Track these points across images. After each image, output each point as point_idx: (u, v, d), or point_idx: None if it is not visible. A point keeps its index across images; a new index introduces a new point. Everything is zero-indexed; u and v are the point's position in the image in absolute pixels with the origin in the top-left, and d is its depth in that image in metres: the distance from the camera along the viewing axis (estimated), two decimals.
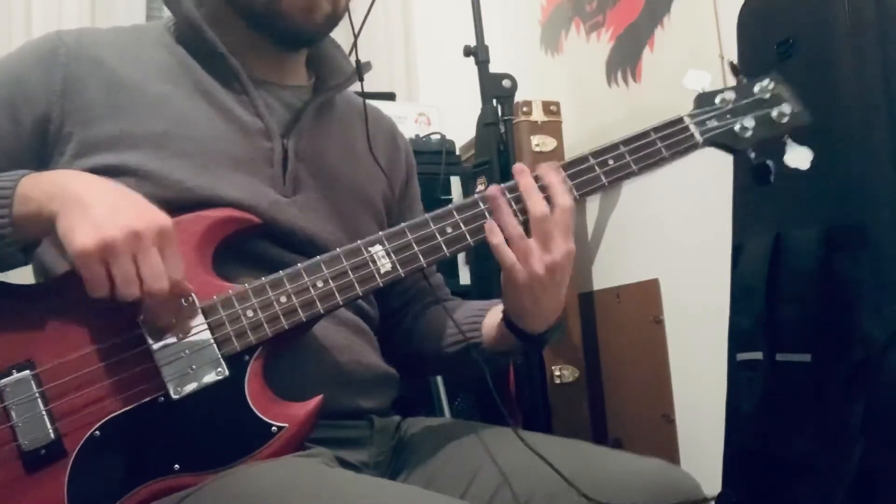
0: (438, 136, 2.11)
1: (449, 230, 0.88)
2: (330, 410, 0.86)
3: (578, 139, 2.13)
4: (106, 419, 0.78)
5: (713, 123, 0.95)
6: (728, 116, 0.96)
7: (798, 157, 0.95)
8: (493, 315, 1.00)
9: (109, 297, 0.75)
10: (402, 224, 0.88)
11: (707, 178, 1.60)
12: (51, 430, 0.76)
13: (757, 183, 0.95)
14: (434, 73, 2.60)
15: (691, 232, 1.77)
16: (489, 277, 1.82)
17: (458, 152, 2.14)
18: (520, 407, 1.83)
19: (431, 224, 0.88)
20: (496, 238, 0.88)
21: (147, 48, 0.96)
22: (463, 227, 0.88)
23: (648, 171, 0.93)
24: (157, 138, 0.89)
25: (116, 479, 0.77)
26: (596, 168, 0.92)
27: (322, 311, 0.84)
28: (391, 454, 0.98)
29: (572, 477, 0.80)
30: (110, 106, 0.90)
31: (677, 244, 1.82)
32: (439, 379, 1.87)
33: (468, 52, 1.91)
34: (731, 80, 1.00)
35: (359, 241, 0.87)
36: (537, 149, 2.04)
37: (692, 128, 0.95)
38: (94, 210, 0.75)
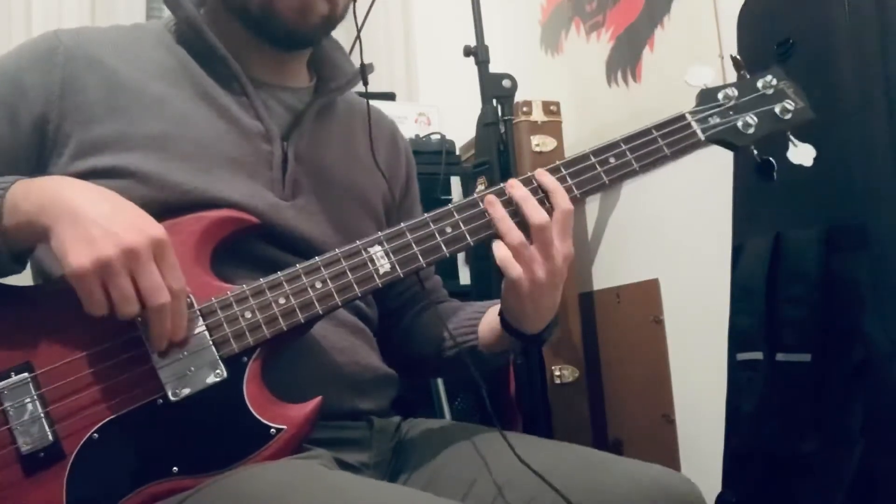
0: (438, 136, 2.11)
1: (448, 230, 0.88)
2: (329, 411, 0.86)
3: (578, 139, 2.13)
4: (104, 421, 0.77)
5: (715, 120, 0.94)
6: (731, 113, 0.95)
7: (801, 153, 0.94)
8: (489, 317, 0.99)
9: (108, 313, 0.75)
10: (402, 224, 0.88)
11: (707, 178, 1.60)
12: (49, 433, 0.76)
13: (761, 180, 0.95)
14: (434, 73, 2.60)
15: (691, 232, 1.77)
16: (489, 277, 1.82)
17: (458, 152, 2.14)
18: (520, 407, 1.83)
19: (431, 224, 0.88)
20: (502, 251, 0.87)
21: (147, 48, 0.96)
22: (462, 227, 0.88)
23: (650, 169, 0.92)
24: (156, 140, 0.89)
25: (115, 482, 0.76)
26: (597, 167, 0.91)
27: (321, 313, 0.84)
28: (391, 455, 0.98)
29: (570, 484, 0.78)
30: (109, 106, 0.89)
31: (677, 244, 1.82)
32: (439, 379, 1.87)
33: (468, 52, 1.91)
34: (731, 79, 0.99)
35: (357, 242, 0.86)
36: (537, 149, 2.04)
37: (694, 125, 0.94)
38: (88, 225, 0.74)
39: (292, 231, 0.93)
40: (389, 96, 2.30)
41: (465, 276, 2.01)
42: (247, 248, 0.90)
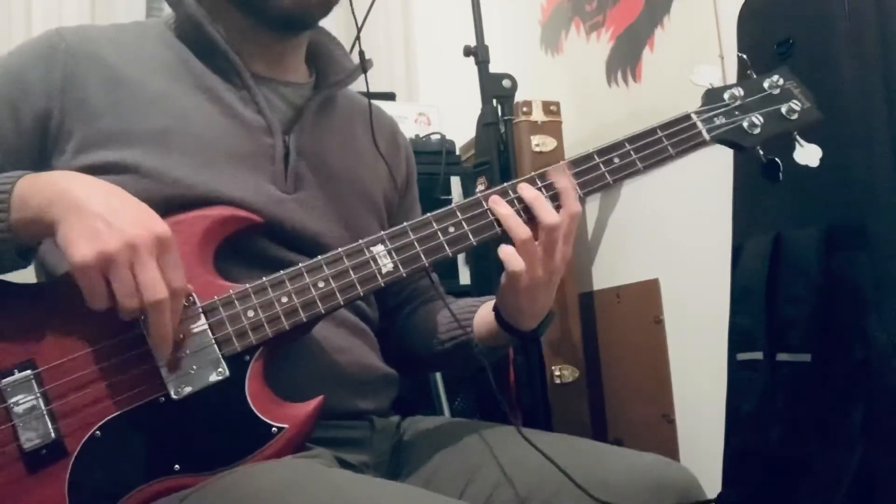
0: (438, 136, 2.11)
1: (451, 230, 0.88)
2: (330, 411, 0.86)
3: (578, 139, 2.13)
4: (107, 419, 0.78)
5: (721, 120, 0.94)
6: (736, 113, 0.95)
7: (807, 154, 0.93)
8: (483, 311, 1.00)
9: (110, 307, 0.75)
10: (405, 223, 0.88)
11: (707, 178, 1.60)
12: (52, 430, 0.76)
13: (768, 181, 0.94)
14: (434, 73, 2.60)
15: (691, 232, 1.77)
16: (489, 277, 1.82)
17: (458, 152, 2.14)
18: (520, 407, 1.83)
19: (434, 224, 0.88)
20: (507, 247, 0.88)
21: (147, 45, 0.96)
22: (465, 227, 0.88)
23: (654, 169, 0.92)
24: (158, 135, 0.89)
25: (117, 480, 0.77)
26: (601, 167, 0.91)
27: (323, 312, 0.84)
28: (391, 454, 0.98)
29: (571, 474, 0.80)
30: (110, 103, 0.90)
31: (677, 244, 1.82)
32: (439, 378, 1.87)
33: (468, 52, 1.91)
34: (732, 79, 1.00)
35: (360, 241, 0.86)
36: (537, 149, 2.04)
37: (699, 125, 0.94)
38: (93, 219, 0.74)
39: (294, 224, 0.93)
40: (389, 96, 2.30)
41: (465, 276, 2.01)
42: (249, 245, 0.90)
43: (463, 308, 1.04)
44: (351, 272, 0.85)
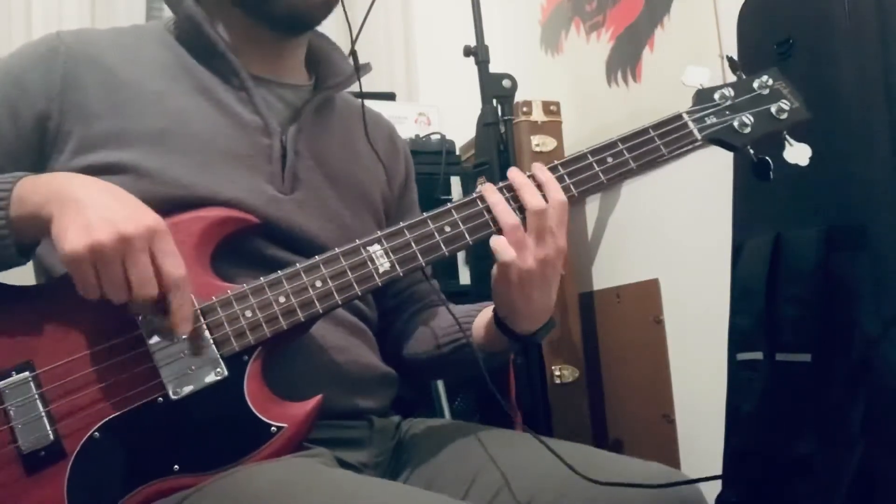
0: (438, 136, 2.11)
1: (447, 229, 0.88)
2: (329, 411, 0.86)
3: (578, 139, 2.13)
4: (105, 420, 0.78)
5: (712, 120, 0.95)
6: (727, 113, 0.95)
7: (797, 153, 0.94)
8: (483, 316, 1.00)
9: (101, 298, 0.75)
10: (401, 223, 0.88)
11: (707, 178, 1.60)
12: (50, 432, 0.76)
13: (758, 179, 0.95)
14: (434, 73, 2.60)
15: (691, 232, 1.77)
16: (489, 277, 1.82)
17: (458, 152, 2.14)
18: (520, 407, 1.83)
19: (430, 223, 0.88)
20: (498, 238, 0.88)
21: (146, 47, 0.96)
22: (462, 226, 0.88)
23: (647, 169, 0.93)
24: (156, 135, 0.89)
25: (116, 481, 0.77)
26: (594, 166, 0.92)
27: (321, 311, 0.84)
28: (391, 455, 0.98)
29: (571, 482, 0.79)
30: (109, 104, 0.90)
31: (677, 244, 1.82)
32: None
33: (468, 52, 1.91)
34: (731, 78, 1.00)
35: (357, 241, 0.87)
36: (537, 149, 2.04)
37: (691, 125, 0.94)
38: (87, 213, 0.75)
39: (291, 224, 0.93)
40: (389, 96, 2.30)
41: (465, 277, 2.01)
42: (246, 245, 0.90)
43: (463, 313, 1.04)
44: (348, 272, 0.85)
